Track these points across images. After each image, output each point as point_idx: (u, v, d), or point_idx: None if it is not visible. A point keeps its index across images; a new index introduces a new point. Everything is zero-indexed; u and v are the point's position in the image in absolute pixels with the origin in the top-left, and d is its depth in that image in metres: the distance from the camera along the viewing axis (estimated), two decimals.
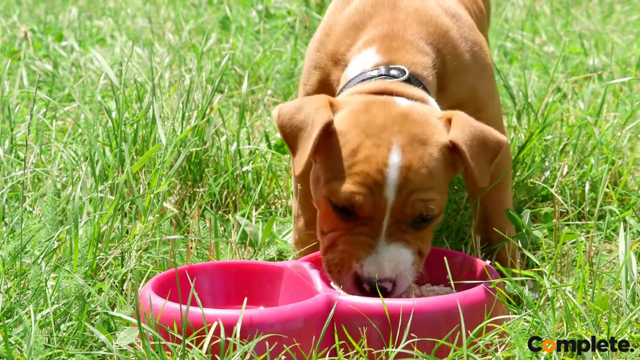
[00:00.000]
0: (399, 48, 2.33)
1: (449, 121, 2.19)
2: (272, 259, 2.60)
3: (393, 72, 2.29)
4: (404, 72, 2.29)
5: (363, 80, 2.30)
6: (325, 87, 2.44)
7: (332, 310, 2.07)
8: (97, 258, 2.37)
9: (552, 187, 2.93)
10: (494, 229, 2.50)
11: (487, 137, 2.19)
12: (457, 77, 2.40)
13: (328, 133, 2.16)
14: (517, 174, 3.03)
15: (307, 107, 2.19)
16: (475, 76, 2.44)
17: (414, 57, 2.32)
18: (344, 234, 2.15)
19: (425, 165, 2.12)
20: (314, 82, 2.47)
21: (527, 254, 2.35)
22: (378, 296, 2.09)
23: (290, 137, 2.19)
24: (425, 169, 2.12)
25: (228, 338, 1.98)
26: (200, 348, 1.99)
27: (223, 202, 2.92)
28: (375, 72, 2.30)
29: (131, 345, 2.06)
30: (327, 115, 2.16)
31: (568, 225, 2.77)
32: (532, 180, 3.04)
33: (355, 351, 2.05)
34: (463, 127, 2.17)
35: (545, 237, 2.71)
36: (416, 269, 2.17)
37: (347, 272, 2.14)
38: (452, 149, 2.17)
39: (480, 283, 2.16)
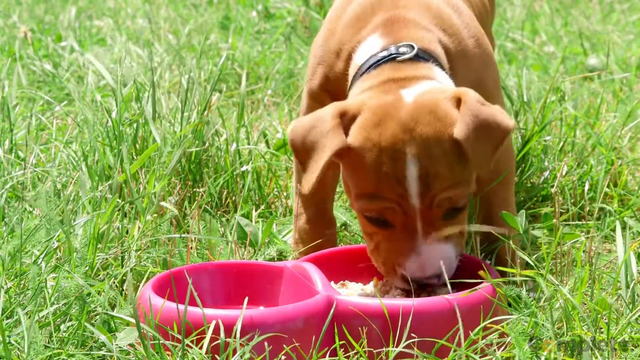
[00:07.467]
0: (402, 27, 2.33)
1: (458, 102, 2.17)
2: (272, 259, 2.60)
3: (402, 49, 2.29)
4: (412, 47, 2.29)
5: (372, 64, 2.29)
6: (330, 81, 2.43)
7: (332, 310, 2.07)
8: (97, 258, 2.37)
9: (552, 187, 2.93)
10: (495, 229, 2.50)
11: (491, 126, 2.16)
12: (463, 62, 2.40)
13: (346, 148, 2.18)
14: (517, 173, 3.03)
15: (319, 127, 2.18)
16: (481, 63, 2.44)
17: (418, 33, 2.33)
18: (384, 239, 2.20)
19: (442, 165, 2.14)
20: (319, 77, 2.46)
21: (523, 255, 2.34)
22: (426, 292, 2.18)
23: (301, 156, 2.20)
24: (444, 169, 2.13)
25: (228, 338, 1.98)
26: (200, 348, 1.98)
27: (223, 202, 2.92)
28: (385, 53, 2.29)
29: (131, 345, 2.06)
30: (337, 143, 2.15)
31: (568, 225, 2.77)
32: (531, 180, 3.04)
33: (355, 351, 2.05)
34: (467, 121, 2.14)
35: (545, 236, 2.70)
36: (459, 251, 2.22)
37: (394, 275, 2.20)
38: None
39: (479, 283, 2.16)
